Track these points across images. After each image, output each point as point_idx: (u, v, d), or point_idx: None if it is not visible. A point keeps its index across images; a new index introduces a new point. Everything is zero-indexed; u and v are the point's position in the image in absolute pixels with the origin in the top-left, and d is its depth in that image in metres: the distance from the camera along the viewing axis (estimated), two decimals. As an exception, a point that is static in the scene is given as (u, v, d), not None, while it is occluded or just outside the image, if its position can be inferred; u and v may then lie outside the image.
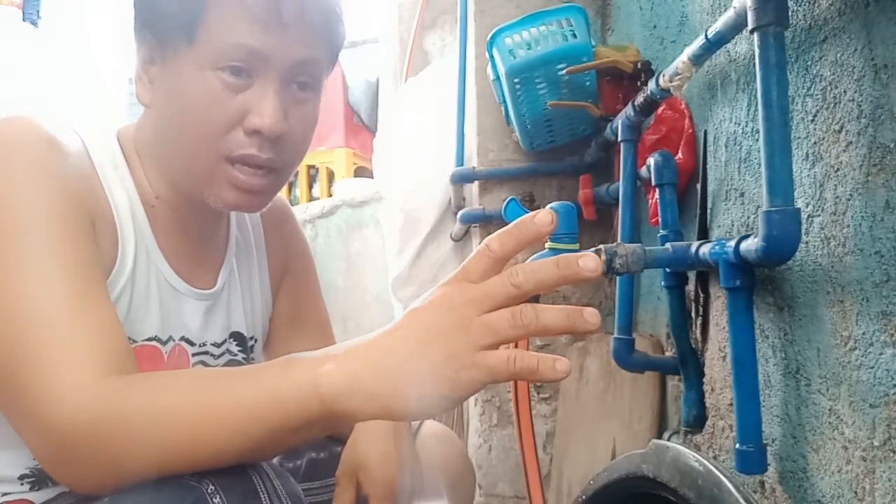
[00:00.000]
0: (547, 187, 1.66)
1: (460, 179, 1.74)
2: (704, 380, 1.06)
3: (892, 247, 0.63)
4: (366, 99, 3.83)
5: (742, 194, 0.93)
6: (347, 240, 2.90)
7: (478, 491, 1.63)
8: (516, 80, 1.40)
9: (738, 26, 0.81)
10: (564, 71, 1.33)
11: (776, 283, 0.83)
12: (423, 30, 2.50)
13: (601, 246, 0.82)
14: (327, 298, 1.05)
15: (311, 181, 3.91)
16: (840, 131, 0.70)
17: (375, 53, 3.38)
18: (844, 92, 0.70)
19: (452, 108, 1.77)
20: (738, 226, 0.94)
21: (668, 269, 1.07)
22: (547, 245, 1.02)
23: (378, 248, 2.56)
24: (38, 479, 0.74)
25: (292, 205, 2.94)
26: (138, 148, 0.81)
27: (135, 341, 0.77)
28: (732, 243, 0.80)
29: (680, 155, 1.11)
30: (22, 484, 0.74)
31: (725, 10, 0.83)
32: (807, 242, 0.76)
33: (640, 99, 1.11)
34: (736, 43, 0.92)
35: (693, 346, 1.09)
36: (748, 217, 0.91)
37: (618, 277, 1.19)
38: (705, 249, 0.87)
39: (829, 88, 0.72)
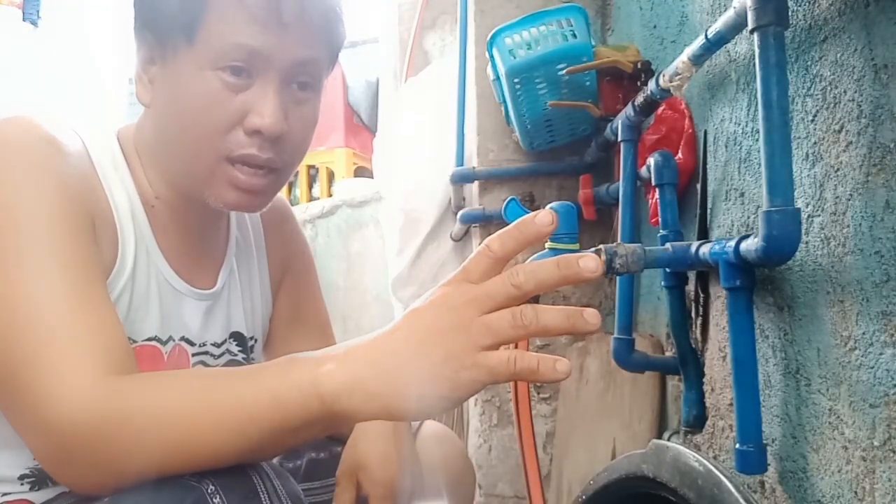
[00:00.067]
0: (547, 187, 1.66)
1: (460, 179, 1.74)
2: (704, 380, 1.06)
3: (892, 247, 0.63)
4: (366, 99, 3.83)
5: (742, 194, 0.93)
6: (347, 240, 2.90)
7: (478, 491, 1.63)
8: (516, 80, 1.40)
9: (738, 26, 0.81)
10: (564, 71, 1.33)
11: (776, 283, 0.83)
12: (423, 30, 2.50)
13: (601, 246, 0.82)
14: (327, 298, 1.05)
15: (311, 181, 3.91)
16: (840, 131, 0.70)
17: (375, 53, 3.38)
18: (844, 92, 0.70)
19: (452, 108, 1.77)
20: (738, 226, 0.94)
21: (668, 269, 1.07)
22: (547, 245, 1.02)
23: (378, 248, 2.56)
24: (38, 479, 0.74)
25: (292, 205, 2.94)
26: (138, 148, 0.81)
27: (135, 341, 0.77)
28: (732, 243, 0.80)
29: (680, 155, 1.11)
30: (22, 484, 0.74)
31: (725, 10, 0.83)
32: (807, 242, 0.76)
33: (640, 99, 1.11)
34: (736, 43, 0.92)
35: (693, 346, 1.09)
36: (748, 217, 0.91)
37: (618, 277, 1.19)
38: (705, 249, 0.87)
39: (829, 88, 0.72)
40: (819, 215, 0.74)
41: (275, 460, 0.73)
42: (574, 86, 1.38)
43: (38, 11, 3.28)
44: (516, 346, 0.92)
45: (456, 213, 1.79)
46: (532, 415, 1.25)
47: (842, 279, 0.71)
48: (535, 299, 0.62)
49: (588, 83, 1.36)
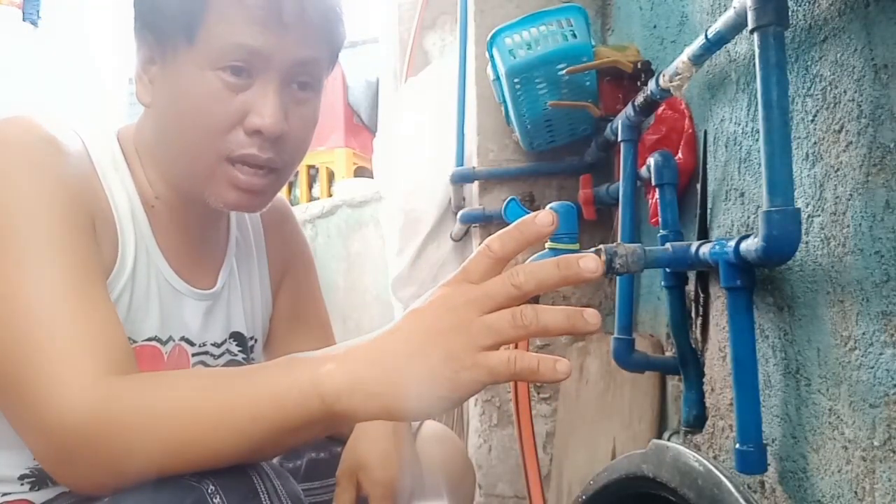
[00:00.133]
0: (547, 187, 1.66)
1: (460, 179, 1.74)
2: (704, 380, 1.06)
3: (892, 247, 0.63)
4: (366, 99, 3.83)
5: (742, 194, 0.93)
6: (347, 240, 2.90)
7: (478, 491, 1.63)
8: (516, 80, 1.40)
9: (738, 26, 0.81)
10: (564, 71, 1.33)
11: (776, 283, 0.83)
12: (423, 30, 2.50)
13: (601, 246, 0.82)
14: (327, 298, 1.05)
15: (311, 181, 3.91)
16: (840, 131, 0.70)
17: (375, 53, 3.38)
18: (844, 92, 0.70)
19: (452, 108, 1.77)
20: (738, 226, 0.94)
21: (668, 269, 1.07)
22: (547, 245, 1.02)
23: (378, 248, 2.56)
24: (38, 479, 0.74)
25: (292, 205, 2.94)
26: (138, 148, 0.81)
27: (135, 341, 0.77)
28: (732, 243, 0.80)
29: (680, 155, 1.11)
30: (22, 484, 0.74)
31: (725, 10, 0.83)
32: (807, 242, 0.76)
33: (640, 99, 1.11)
34: (736, 43, 0.92)
35: (693, 346, 1.09)
36: (748, 217, 0.91)
37: (618, 277, 1.19)
38: (705, 249, 0.87)
39: (829, 88, 0.72)
40: (819, 215, 0.74)
41: (275, 460, 0.73)
42: (574, 86, 1.38)
43: (38, 11, 3.28)
44: (516, 347, 0.92)
45: (456, 213, 1.79)
46: (532, 415, 1.25)
47: (842, 279, 0.71)
48: (535, 299, 0.62)
49: (588, 83, 1.36)
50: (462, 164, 1.75)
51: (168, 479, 0.59)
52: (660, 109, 1.15)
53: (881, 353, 0.65)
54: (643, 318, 1.39)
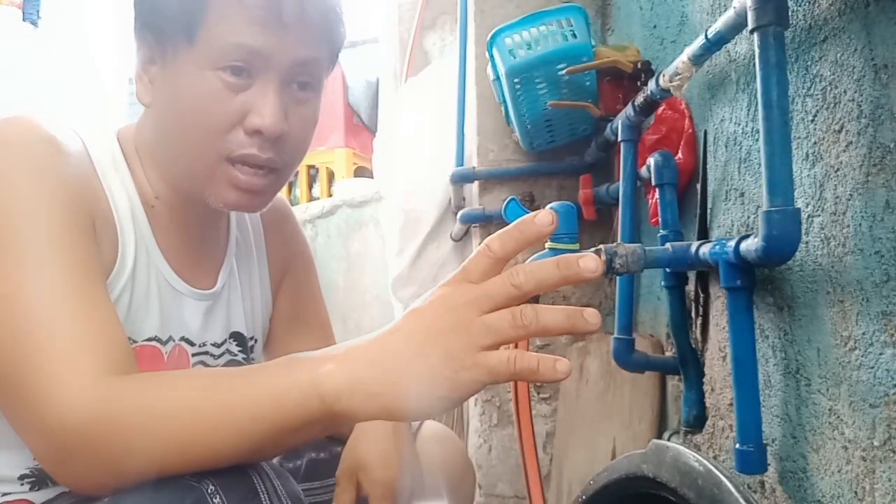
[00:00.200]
0: (547, 187, 1.66)
1: (460, 179, 1.74)
2: (704, 380, 1.06)
3: (892, 247, 0.63)
4: (366, 99, 3.83)
5: (742, 194, 0.93)
6: (347, 240, 2.90)
7: (478, 491, 1.63)
8: (516, 80, 1.40)
9: (738, 26, 0.81)
10: (564, 71, 1.33)
11: (776, 283, 0.83)
12: (423, 30, 2.50)
13: (601, 246, 0.82)
14: (327, 298, 1.05)
15: (311, 181, 3.91)
16: (840, 131, 0.70)
17: (375, 53, 3.38)
18: (844, 92, 0.70)
19: (452, 108, 1.77)
20: (738, 226, 0.94)
21: (668, 269, 1.07)
22: (547, 245, 1.02)
23: (378, 248, 2.56)
24: (38, 479, 0.74)
25: (292, 205, 2.94)
26: (138, 148, 0.81)
27: (135, 341, 0.77)
28: (732, 243, 0.80)
29: (680, 155, 1.11)
30: (22, 484, 0.74)
31: (725, 10, 0.83)
32: (807, 242, 0.76)
33: (640, 99, 1.11)
34: (736, 43, 0.92)
35: (693, 346, 1.09)
36: (748, 217, 0.91)
37: (618, 277, 1.19)
38: (705, 249, 0.87)
39: (829, 88, 0.72)
40: (819, 215, 0.74)
41: (275, 460, 0.73)
42: (574, 86, 1.38)
43: (38, 11, 3.28)
44: (516, 346, 0.92)
45: (456, 213, 1.79)
46: (532, 415, 1.25)
47: (842, 279, 0.71)
48: (535, 299, 0.62)
49: (588, 83, 1.36)
50: (462, 164, 1.75)
51: (168, 479, 0.59)
52: (660, 109, 1.15)
53: (881, 353, 0.65)
54: (643, 318, 1.39)
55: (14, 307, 0.63)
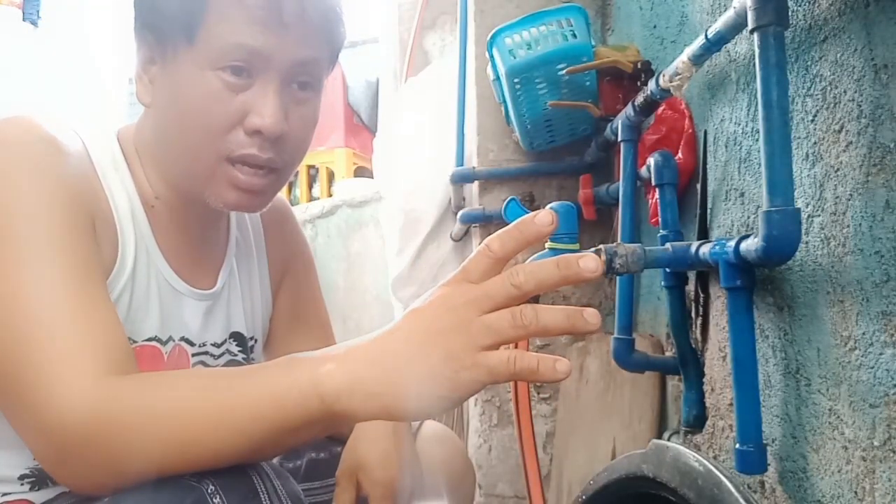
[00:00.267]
0: (547, 187, 1.66)
1: (460, 179, 1.74)
2: (704, 380, 1.06)
3: (892, 247, 0.63)
4: (366, 99, 3.83)
5: (742, 194, 0.93)
6: (347, 240, 2.90)
7: (478, 491, 1.63)
8: (516, 80, 1.40)
9: (738, 26, 0.81)
10: (564, 71, 1.33)
11: (776, 283, 0.83)
12: (423, 30, 2.50)
13: (601, 246, 0.82)
14: (327, 298, 1.05)
15: (311, 181, 3.91)
16: (840, 131, 0.70)
17: (375, 53, 3.38)
18: (844, 92, 0.70)
19: (452, 108, 1.77)
20: (738, 226, 0.94)
21: (668, 269, 1.07)
22: (547, 245, 1.02)
23: (378, 248, 2.56)
24: (38, 479, 0.74)
25: (292, 205, 2.94)
26: (138, 148, 0.81)
27: (135, 341, 0.77)
28: (732, 243, 0.80)
29: (680, 155, 1.11)
30: (22, 484, 0.74)
31: (725, 10, 0.83)
32: (807, 242, 0.76)
33: (640, 99, 1.11)
34: (736, 43, 0.92)
35: (693, 346, 1.09)
36: (748, 217, 0.91)
37: (618, 277, 1.19)
38: (705, 249, 0.87)
39: (829, 88, 0.72)
40: (819, 215, 0.74)
41: (275, 460, 0.73)
42: (574, 86, 1.38)
43: (38, 11, 3.28)
44: (516, 346, 0.92)
45: (456, 213, 1.79)
46: (532, 415, 1.25)
47: (842, 279, 0.71)
48: (535, 299, 0.62)
49: (588, 83, 1.36)
50: (462, 164, 1.75)
51: (168, 479, 0.59)
52: (660, 109, 1.15)
53: (881, 353, 0.65)
54: (643, 318, 1.39)
55: (14, 307, 0.63)
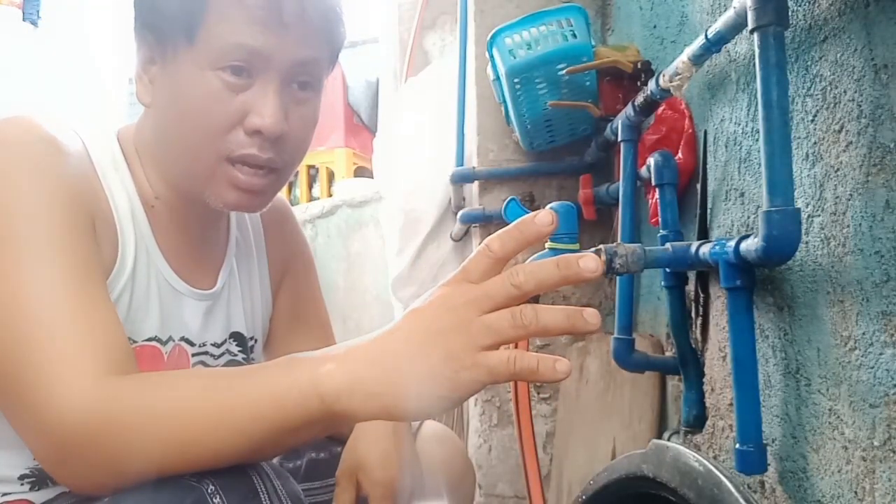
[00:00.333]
0: (547, 187, 1.66)
1: (460, 179, 1.74)
2: (704, 380, 1.06)
3: (892, 247, 0.63)
4: (366, 99, 3.83)
5: (742, 194, 0.93)
6: (347, 240, 2.90)
7: (478, 491, 1.63)
8: (516, 80, 1.40)
9: (738, 26, 0.81)
10: (564, 71, 1.33)
11: (776, 283, 0.83)
12: (423, 30, 2.50)
13: (601, 246, 0.82)
14: (327, 298, 1.05)
15: (311, 181, 3.91)
16: (840, 131, 0.70)
17: (375, 53, 3.38)
18: (844, 92, 0.70)
19: (452, 108, 1.77)
20: (738, 226, 0.94)
21: (668, 269, 1.07)
22: (547, 245, 1.02)
23: (378, 248, 2.56)
24: (38, 479, 0.74)
25: (292, 205, 2.94)
26: (138, 148, 0.81)
27: (135, 341, 0.77)
28: (732, 243, 0.80)
29: (680, 155, 1.11)
30: (22, 484, 0.74)
31: (725, 10, 0.83)
32: (807, 242, 0.76)
33: (640, 99, 1.11)
34: (736, 43, 0.92)
35: (693, 346, 1.09)
36: (748, 217, 0.91)
37: (618, 277, 1.19)
38: (705, 249, 0.87)
39: (829, 88, 0.72)
40: (819, 215, 0.74)
41: (275, 460, 0.73)
42: (574, 86, 1.38)
43: (38, 11, 3.28)
44: (516, 346, 0.92)
45: (456, 213, 1.79)
46: (532, 415, 1.25)
47: (842, 279, 0.71)
48: (535, 299, 0.62)
49: (588, 83, 1.36)
50: (462, 164, 1.75)
51: (168, 479, 0.59)
52: (660, 109, 1.15)
53: (881, 353, 0.65)
54: (643, 318, 1.39)
55: (14, 307, 0.63)
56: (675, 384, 1.25)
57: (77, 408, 0.60)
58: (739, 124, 0.94)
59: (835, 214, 0.72)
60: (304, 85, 0.78)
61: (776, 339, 0.84)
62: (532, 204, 1.64)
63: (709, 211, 1.04)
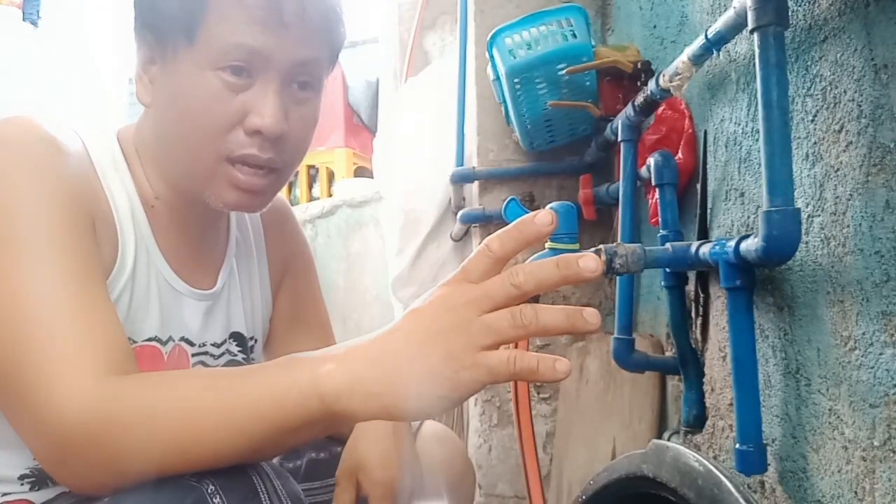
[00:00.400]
0: (547, 187, 1.66)
1: (460, 179, 1.74)
2: (704, 380, 1.06)
3: (892, 247, 0.63)
4: (366, 99, 3.83)
5: (742, 194, 0.93)
6: (347, 240, 2.90)
7: (478, 491, 1.63)
8: (516, 80, 1.40)
9: (738, 26, 0.81)
10: (564, 71, 1.33)
11: (776, 283, 0.83)
12: (423, 30, 2.50)
13: (601, 246, 0.82)
14: (327, 298, 1.05)
15: (311, 181, 3.91)
16: (840, 131, 0.70)
17: (375, 53, 3.38)
18: (844, 92, 0.70)
19: (452, 108, 1.77)
20: (738, 226, 0.94)
21: (668, 269, 1.07)
22: (547, 245, 1.02)
23: (378, 248, 2.56)
24: (38, 479, 0.74)
25: (292, 205, 2.94)
26: (138, 148, 0.81)
27: (135, 342, 0.77)
28: (732, 243, 0.80)
29: (680, 155, 1.11)
30: (22, 484, 0.74)
31: (725, 10, 0.83)
32: (807, 242, 0.76)
33: (640, 99, 1.11)
34: (736, 43, 0.92)
35: (693, 346, 1.09)
36: (748, 217, 0.91)
37: (618, 277, 1.19)
38: (705, 249, 0.87)
39: (829, 88, 0.72)
40: (819, 215, 0.74)
41: (275, 460, 0.73)
42: (574, 86, 1.38)
43: (38, 11, 3.28)
44: (516, 346, 0.92)
45: (456, 213, 1.79)
46: (532, 415, 1.25)
47: (842, 279, 0.70)
48: (535, 299, 0.62)
49: (588, 83, 1.36)
50: (462, 164, 1.75)
51: (168, 479, 0.59)
52: (660, 109, 1.15)
53: (881, 353, 0.65)
54: (643, 318, 1.39)
55: (14, 307, 0.63)
56: (675, 384, 1.25)
57: (77, 408, 0.60)
58: (739, 124, 0.94)
59: (835, 214, 0.72)
60: (304, 85, 0.78)
61: (776, 339, 0.84)
62: (532, 204, 1.64)
63: (709, 211, 1.04)
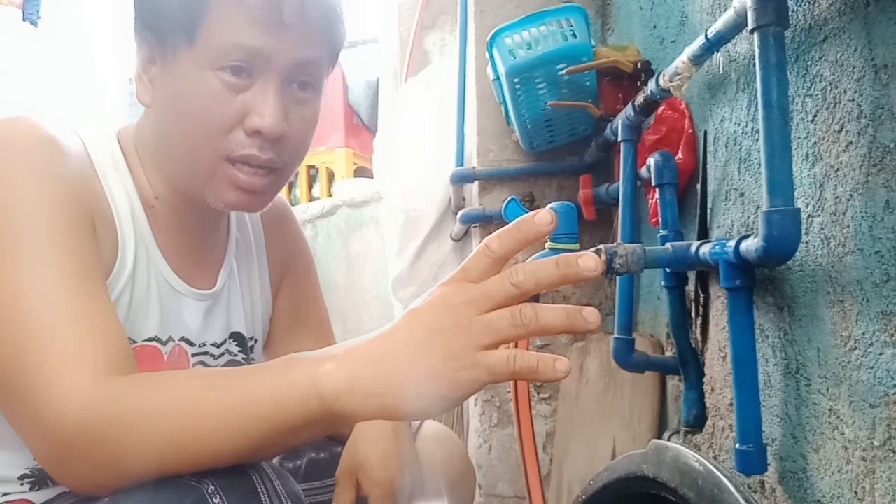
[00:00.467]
0: (547, 187, 1.66)
1: (460, 179, 1.74)
2: (704, 380, 1.06)
3: (892, 247, 0.63)
4: (366, 99, 3.83)
5: (742, 194, 0.93)
6: (347, 240, 2.90)
7: (478, 491, 1.63)
8: (516, 80, 1.40)
9: (738, 26, 0.81)
10: (564, 71, 1.33)
11: (776, 283, 0.83)
12: (423, 30, 2.50)
13: (601, 246, 0.82)
14: (327, 298, 1.05)
15: (311, 181, 3.91)
16: (840, 131, 0.70)
17: (375, 53, 3.38)
18: (844, 92, 0.70)
19: (452, 108, 1.77)
20: (738, 226, 0.94)
21: (668, 269, 1.07)
22: (547, 245, 1.02)
23: (378, 248, 2.56)
24: (38, 479, 0.74)
25: (292, 205, 2.94)
26: (138, 148, 0.81)
27: (135, 342, 0.77)
28: (732, 243, 0.80)
29: (680, 155, 1.11)
30: (22, 484, 0.74)
31: (725, 10, 0.83)
32: (807, 242, 0.76)
33: (640, 99, 1.11)
34: (736, 43, 0.92)
35: (693, 346, 1.09)
36: (748, 217, 0.91)
37: (618, 277, 1.19)
38: (705, 249, 0.87)
39: (829, 88, 0.72)
40: (819, 215, 0.74)
41: (275, 460, 0.73)
42: (574, 86, 1.38)
43: (38, 11, 3.28)
44: (516, 346, 0.92)
45: (456, 213, 1.79)
46: (532, 415, 1.25)
47: (842, 279, 0.71)
48: (535, 299, 0.62)
49: (588, 83, 1.36)
50: (462, 164, 1.75)
51: (168, 479, 0.59)
52: (660, 109, 1.15)
53: (881, 353, 0.65)
54: (643, 318, 1.39)
55: (14, 307, 0.63)
56: (675, 384, 1.25)
57: (77, 408, 0.60)
58: (739, 124, 0.94)
59: (835, 214, 0.72)
60: (305, 85, 0.78)
61: (776, 339, 0.84)
62: (532, 204, 1.64)
63: (709, 211, 1.04)
